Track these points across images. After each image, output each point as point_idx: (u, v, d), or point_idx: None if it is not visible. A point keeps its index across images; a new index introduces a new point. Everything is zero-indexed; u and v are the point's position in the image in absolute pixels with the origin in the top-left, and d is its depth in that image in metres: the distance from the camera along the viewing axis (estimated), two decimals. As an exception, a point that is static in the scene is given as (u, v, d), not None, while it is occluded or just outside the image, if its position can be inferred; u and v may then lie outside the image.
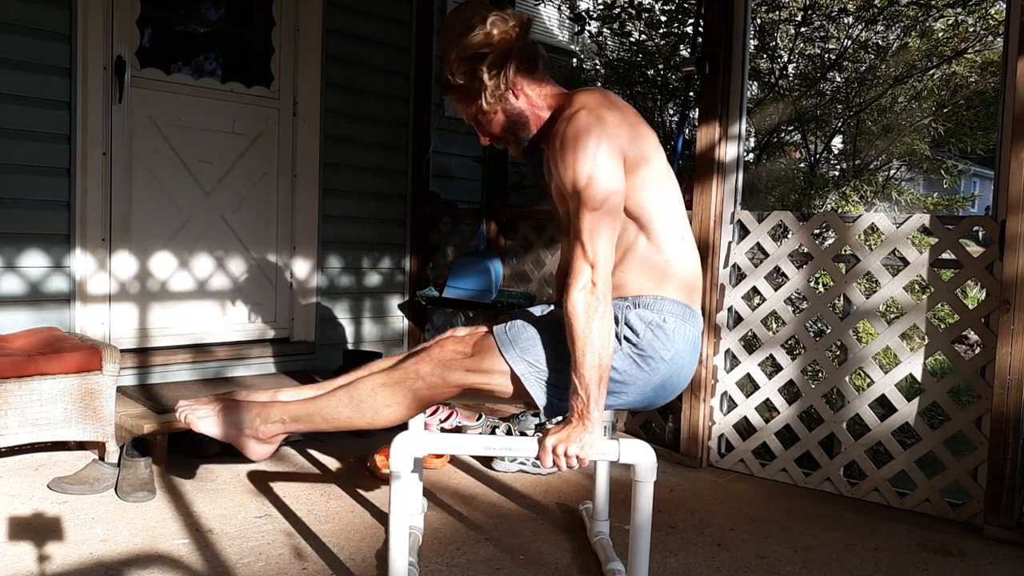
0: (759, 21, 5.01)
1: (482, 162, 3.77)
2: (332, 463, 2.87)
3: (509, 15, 1.71)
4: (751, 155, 5.11)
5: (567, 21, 5.62)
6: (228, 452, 2.87)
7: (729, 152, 2.92)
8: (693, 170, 2.98)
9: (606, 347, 1.59)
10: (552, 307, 1.94)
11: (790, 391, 2.87)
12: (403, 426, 1.87)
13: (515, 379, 1.71)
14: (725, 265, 2.93)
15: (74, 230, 3.05)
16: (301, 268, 3.75)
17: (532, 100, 1.78)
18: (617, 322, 1.67)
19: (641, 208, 1.69)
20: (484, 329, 1.81)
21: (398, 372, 1.76)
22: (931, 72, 5.39)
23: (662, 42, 5.13)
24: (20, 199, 2.93)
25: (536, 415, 3.10)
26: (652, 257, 1.71)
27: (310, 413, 1.81)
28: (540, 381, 1.70)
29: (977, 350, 2.51)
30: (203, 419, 1.82)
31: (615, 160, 1.63)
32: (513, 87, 1.75)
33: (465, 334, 1.82)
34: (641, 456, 1.61)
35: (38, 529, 2.15)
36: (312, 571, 1.98)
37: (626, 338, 1.68)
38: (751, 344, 3.04)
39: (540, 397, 1.70)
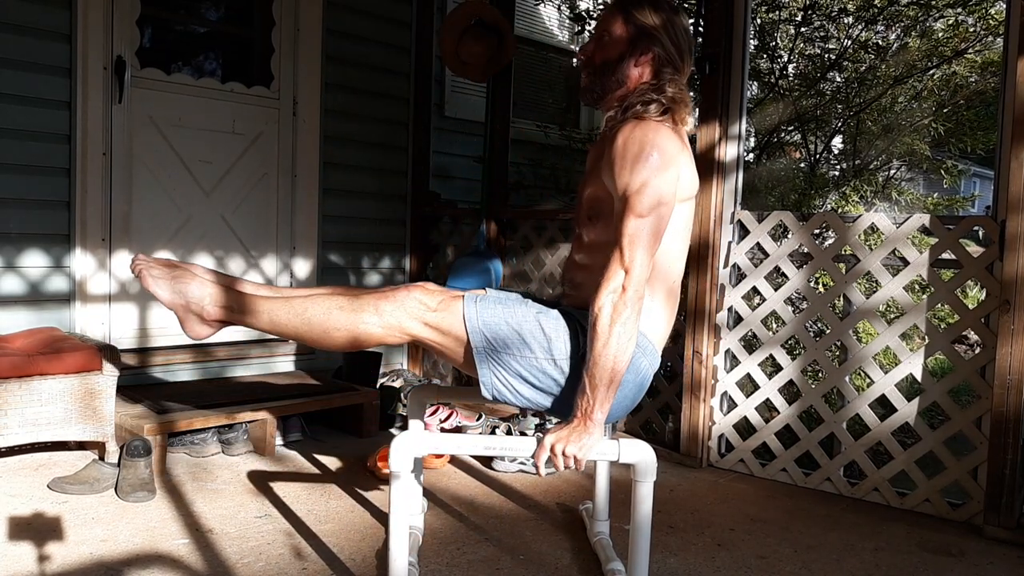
0: (759, 21, 5.01)
1: (482, 162, 3.77)
2: (332, 463, 2.88)
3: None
4: (751, 155, 5.11)
5: (567, 21, 5.62)
6: (227, 452, 2.88)
7: (729, 152, 2.92)
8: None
9: (624, 352, 1.58)
10: (519, 295, 1.90)
11: (790, 391, 2.87)
12: (404, 425, 1.87)
13: (467, 349, 1.70)
14: (725, 265, 2.93)
15: (74, 230, 3.05)
16: (301, 268, 3.75)
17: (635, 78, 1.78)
18: (585, 331, 1.67)
19: (665, 252, 1.70)
20: (456, 293, 1.79)
21: (358, 302, 1.73)
22: (931, 72, 5.39)
23: (662, 42, 5.11)
24: (20, 199, 2.93)
25: (536, 415, 3.10)
26: (652, 296, 1.71)
27: (259, 311, 1.79)
28: (490, 360, 1.70)
29: (977, 350, 2.51)
30: (156, 279, 1.81)
31: (672, 179, 1.63)
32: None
33: (435, 289, 1.79)
34: (641, 456, 1.61)
35: (38, 529, 2.15)
36: (312, 571, 1.98)
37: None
38: (751, 344, 3.04)
39: (484, 373, 1.70)
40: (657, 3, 1.77)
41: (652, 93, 1.73)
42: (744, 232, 2.93)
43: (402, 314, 1.71)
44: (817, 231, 3.19)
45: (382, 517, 2.35)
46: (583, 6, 5.47)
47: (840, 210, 4.57)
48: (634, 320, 1.60)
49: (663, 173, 1.61)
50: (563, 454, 1.58)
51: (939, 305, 2.71)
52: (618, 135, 1.66)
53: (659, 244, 1.64)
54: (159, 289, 1.82)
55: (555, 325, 1.70)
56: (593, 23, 5.26)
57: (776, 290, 2.86)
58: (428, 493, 2.52)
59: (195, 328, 1.86)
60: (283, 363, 3.66)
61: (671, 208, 1.64)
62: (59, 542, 2.07)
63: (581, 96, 1.89)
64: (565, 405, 1.70)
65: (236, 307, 1.81)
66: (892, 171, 5.48)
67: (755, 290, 2.92)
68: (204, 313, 1.83)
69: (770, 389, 2.86)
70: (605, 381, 1.58)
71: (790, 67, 5.20)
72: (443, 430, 3.14)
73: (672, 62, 1.77)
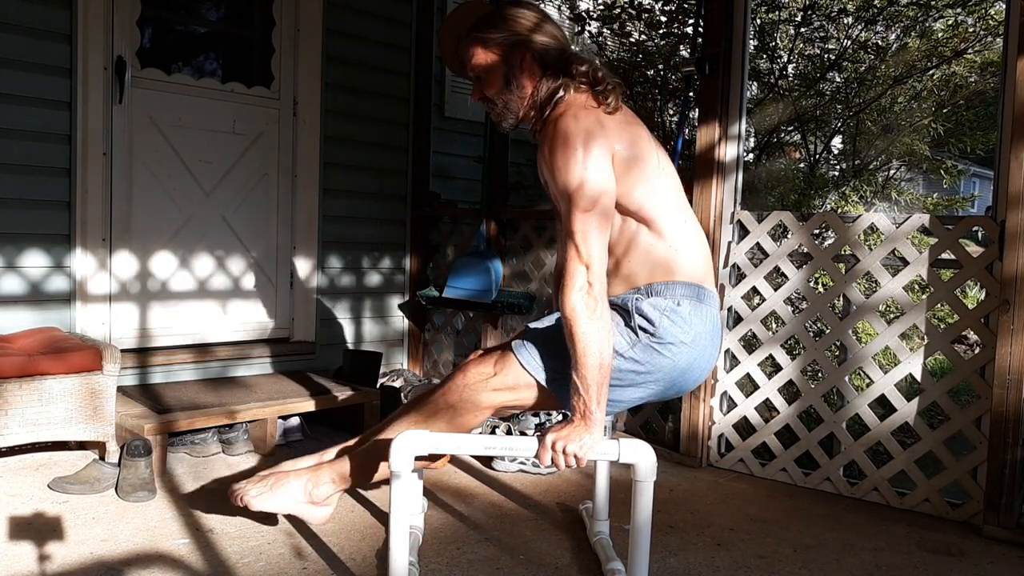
0: (759, 21, 5.01)
1: (482, 162, 3.77)
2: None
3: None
4: (751, 155, 5.11)
5: (567, 21, 5.62)
6: (228, 452, 2.88)
7: (729, 152, 2.92)
8: (693, 170, 2.98)
9: (606, 347, 1.59)
10: (557, 313, 1.94)
11: (790, 391, 2.87)
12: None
13: (541, 388, 1.73)
14: (725, 265, 2.94)
15: (74, 230, 3.05)
16: (301, 268, 3.75)
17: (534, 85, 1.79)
18: (631, 315, 1.68)
19: (638, 203, 1.70)
20: (505, 350, 1.82)
21: (428, 407, 1.79)
22: (931, 72, 5.39)
23: (662, 42, 5.13)
24: (20, 199, 2.94)
25: (536, 415, 3.10)
26: (656, 246, 1.72)
27: (355, 467, 1.85)
28: (558, 386, 1.71)
29: (977, 350, 2.51)
30: (258, 497, 1.84)
31: (604, 161, 1.64)
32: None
33: (486, 356, 1.83)
34: (641, 456, 1.61)
35: (38, 529, 2.15)
36: (312, 571, 1.98)
37: (642, 328, 1.68)
38: (751, 344, 3.04)
39: (566, 404, 1.71)
40: (494, 15, 1.79)
41: (551, 84, 1.75)
42: (744, 232, 2.93)
43: (471, 394, 1.75)
44: (817, 231, 3.19)
45: (382, 517, 2.35)
46: (583, 6, 5.47)
47: (840, 210, 4.57)
48: (607, 312, 1.61)
49: (594, 161, 1.62)
50: (564, 452, 1.59)
51: (939, 305, 2.71)
52: (544, 143, 1.69)
53: (610, 224, 1.65)
54: (267, 505, 1.86)
55: None
56: (593, 23, 5.26)
57: (776, 290, 2.86)
58: (428, 493, 2.52)
59: (317, 515, 1.91)
60: (283, 363, 3.66)
61: (613, 191, 1.65)
62: (59, 542, 2.07)
63: (501, 128, 1.90)
64: (654, 384, 1.72)
65: (336, 478, 1.86)
66: (892, 171, 5.48)
67: (755, 290, 2.92)
68: (315, 499, 1.88)
69: (770, 389, 2.86)
70: (596, 379, 1.59)
71: (790, 67, 5.20)
72: (443, 430, 3.14)
73: (550, 48, 1.78)
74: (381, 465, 1.82)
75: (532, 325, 1.84)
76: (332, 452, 1.95)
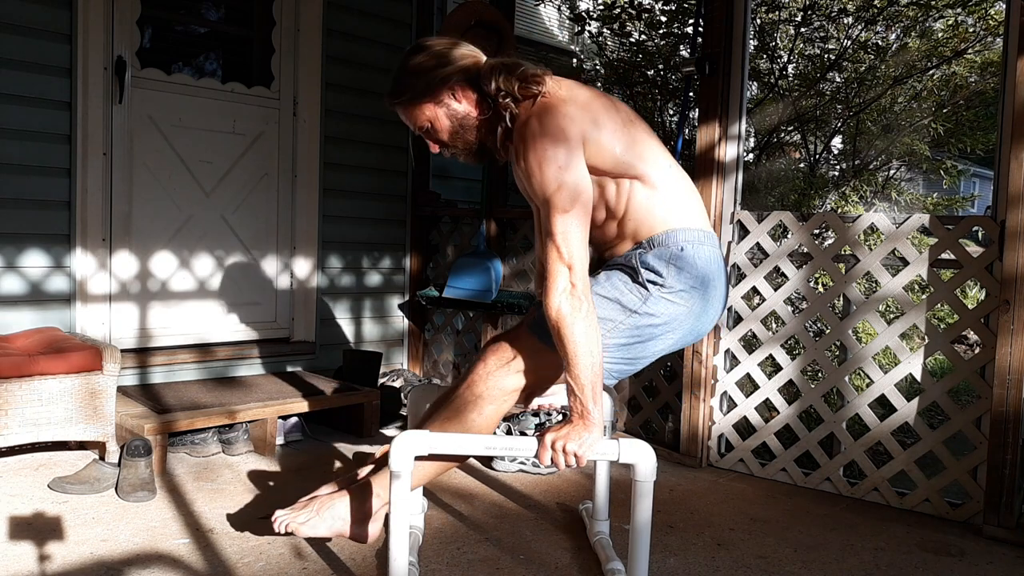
0: (759, 21, 5.01)
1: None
2: (332, 463, 2.88)
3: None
4: (751, 155, 5.11)
5: (567, 21, 5.62)
6: (228, 452, 2.88)
7: (729, 152, 2.92)
8: (693, 170, 2.98)
9: (595, 346, 1.59)
10: None
11: (790, 391, 2.87)
12: (404, 425, 1.87)
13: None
14: (725, 265, 2.93)
15: (74, 230, 3.05)
16: (301, 268, 3.75)
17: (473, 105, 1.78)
18: (636, 271, 1.69)
19: (625, 162, 1.71)
20: (520, 329, 1.81)
21: (456, 402, 1.77)
22: (931, 72, 5.39)
23: (662, 42, 5.13)
24: (20, 199, 2.94)
25: (536, 415, 3.10)
26: (651, 197, 1.72)
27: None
28: None
29: (977, 350, 2.51)
30: (306, 523, 1.82)
31: (577, 156, 1.64)
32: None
33: (501, 341, 1.81)
34: (641, 456, 1.61)
35: (39, 529, 2.15)
36: (312, 571, 1.98)
37: (651, 282, 1.69)
38: (751, 344, 3.04)
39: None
40: (401, 72, 1.77)
41: (493, 99, 1.73)
42: (744, 232, 2.93)
43: (495, 381, 1.73)
44: (817, 231, 3.19)
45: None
46: (583, 6, 5.48)
47: (840, 210, 4.58)
48: (593, 311, 1.61)
49: (567, 161, 1.61)
50: (564, 451, 1.59)
51: (939, 305, 2.71)
52: (515, 153, 1.68)
53: (589, 217, 1.64)
54: (318, 529, 1.83)
55: (611, 288, 1.72)
56: (593, 23, 5.26)
57: (776, 290, 2.86)
58: (428, 493, 2.52)
59: (368, 533, 1.87)
60: (284, 363, 3.66)
61: (589, 187, 1.65)
62: (59, 542, 2.07)
63: (476, 163, 1.89)
64: (672, 334, 1.74)
65: (380, 491, 1.84)
66: (892, 171, 5.48)
67: (755, 290, 2.92)
68: (364, 516, 1.85)
69: (770, 389, 2.86)
70: (589, 379, 1.59)
71: (790, 67, 5.20)
72: (443, 430, 3.14)
73: (470, 70, 1.76)
74: (422, 466, 1.81)
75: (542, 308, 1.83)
76: (365, 469, 1.95)
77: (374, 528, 1.85)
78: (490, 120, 1.77)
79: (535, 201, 1.67)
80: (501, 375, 1.74)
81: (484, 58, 1.79)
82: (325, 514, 1.82)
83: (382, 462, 1.93)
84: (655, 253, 1.70)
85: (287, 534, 1.81)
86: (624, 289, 1.71)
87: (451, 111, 1.77)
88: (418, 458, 1.78)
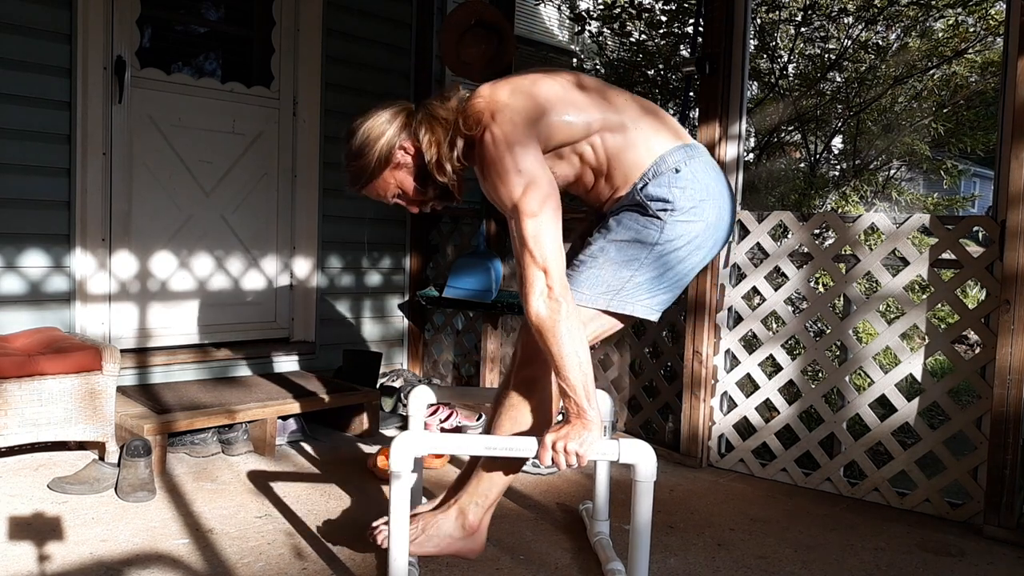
0: (759, 21, 5.01)
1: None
2: (332, 463, 2.87)
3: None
4: (751, 155, 5.11)
5: (567, 21, 5.62)
6: (227, 452, 2.88)
7: (729, 152, 2.92)
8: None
9: (580, 346, 1.60)
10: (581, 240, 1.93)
11: (790, 391, 2.87)
12: (404, 425, 1.87)
13: (608, 314, 1.75)
14: (725, 265, 2.93)
15: (74, 230, 3.05)
16: (301, 268, 3.75)
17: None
18: (644, 206, 1.70)
19: (583, 127, 1.71)
20: None
21: (521, 389, 1.80)
22: (931, 72, 5.39)
23: (662, 42, 5.13)
24: (20, 199, 2.93)
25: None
26: (626, 138, 1.73)
27: (490, 478, 1.85)
28: (626, 299, 1.73)
29: (977, 350, 2.51)
30: (413, 542, 1.84)
31: (533, 156, 1.64)
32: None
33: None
34: (641, 456, 1.61)
35: (38, 529, 2.15)
36: (312, 571, 1.98)
37: (661, 210, 1.70)
38: (751, 344, 3.04)
39: (636, 309, 1.74)
40: (349, 154, 1.78)
41: (439, 136, 1.74)
42: (744, 232, 2.93)
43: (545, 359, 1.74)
44: (817, 231, 3.19)
45: (382, 517, 2.34)
46: (583, 6, 5.47)
47: (840, 210, 4.57)
48: (574, 310, 1.62)
49: (523, 162, 1.62)
50: (565, 451, 1.59)
51: (939, 305, 2.70)
52: (478, 173, 1.70)
53: (559, 214, 1.64)
54: (426, 548, 1.85)
55: (625, 231, 1.73)
56: (593, 23, 5.26)
57: (776, 290, 2.86)
58: (428, 493, 2.52)
59: (475, 545, 1.89)
60: (283, 363, 3.66)
61: (553, 185, 1.65)
62: (59, 542, 2.07)
63: (460, 198, 1.89)
64: (699, 249, 1.75)
65: (479, 499, 1.85)
66: (892, 171, 5.49)
67: (755, 290, 2.92)
68: (469, 530, 1.87)
69: (770, 389, 2.86)
70: (579, 380, 1.59)
71: (790, 67, 5.20)
72: (443, 430, 3.14)
73: (407, 124, 1.76)
74: (512, 465, 1.84)
75: (567, 270, 1.83)
76: (456, 480, 1.97)
77: (480, 540, 1.88)
78: (447, 153, 1.76)
79: (505, 211, 1.68)
80: None
81: (411, 106, 1.80)
82: (431, 532, 1.84)
83: (467, 472, 1.94)
84: (654, 184, 1.71)
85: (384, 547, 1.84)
86: (638, 227, 1.72)
87: (409, 167, 1.78)
88: (481, 469, 1.80)
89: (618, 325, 1.80)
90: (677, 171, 1.71)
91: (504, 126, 1.65)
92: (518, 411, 1.82)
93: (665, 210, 1.70)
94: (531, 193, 1.61)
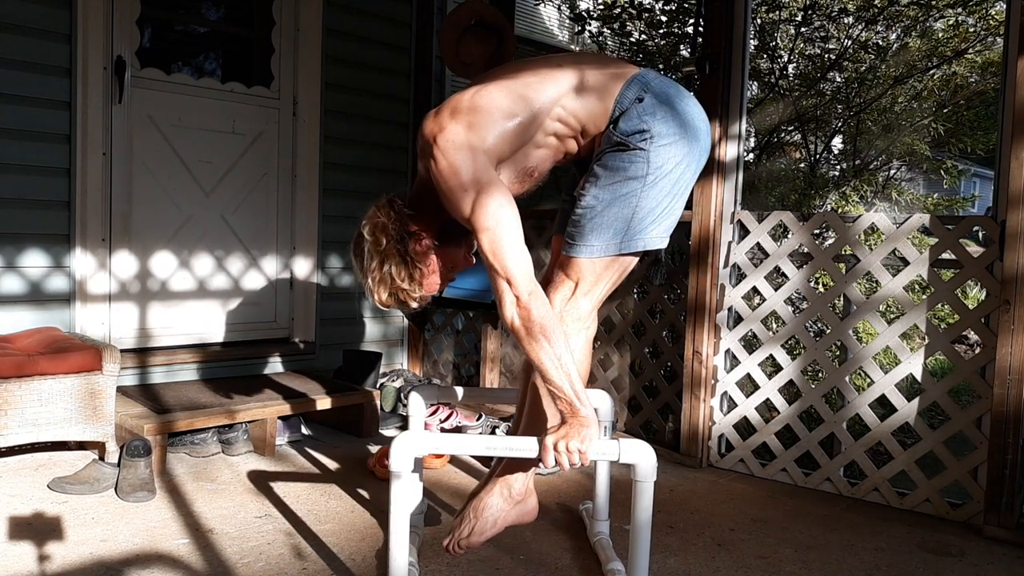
0: (759, 21, 5.01)
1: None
2: (332, 463, 2.88)
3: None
4: (751, 155, 5.11)
5: (567, 21, 5.62)
6: (227, 452, 2.88)
7: (729, 152, 2.92)
8: (693, 170, 2.97)
9: (560, 346, 1.61)
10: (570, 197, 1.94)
11: (790, 391, 2.87)
12: (404, 425, 1.87)
13: (620, 257, 1.76)
14: (725, 265, 2.93)
15: (74, 230, 3.05)
16: (301, 268, 3.75)
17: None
18: (625, 144, 1.72)
19: (543, 108, 1.73)
20: (559, 268, 1.84)
21: (549, 354, 1.77)
22: (931, 72, 5.39)
23: (662, 42, 5.13)
24: (20, 199, 2.93)
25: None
26: (581, 95, 1.75)
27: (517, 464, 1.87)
28: (636, 236, 1.75)
29: (977, 350, 2.51)
30: (472, 534, 1.87)
31: (482, 173, 1.64)
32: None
33: (550, 285, 1.82)
34: (641, 456, 1.61)
35: (38, 529, 2.15)
36: (312, 571, 1.98)
37: (643, 141, 1.71)
38: (751, 344, 3.04)
39: (648, 242, 1.76)
40: (372, 274, 1.76)
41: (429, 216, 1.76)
42: (744, 232, 2.93)
43: (576, 315, 1.78)
44: (817, 231, 3.19)
45: (382, 517, 2.35)
46: (583, 6, 5.48)
47: (840, 210, 4.57)
48: (548, 313, 1.62)
49: (472, 178, 1.62)
50: (567, 450, 1.59)
51: (939, 305, 2.70)
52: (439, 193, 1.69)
53: (515, 224, 1.64)
54: (485, 533, 1.88)
55: (611, 174, 1.73)
56: (593, 23, 5.26)
57: (776, 290, 2.86)
58: (428, 493, 2.52)
59: (527, 512, 1.93)
60: (283, 363, 3.66)
61: (506, 196, 1.65)
62: (59, 542, 2.07)
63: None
64: (687, 163, 1.77)
65: (521, 468, 1.88)
66: (892, 171, 5.49)
67: (755, 290, 2.92)
68: (517, 498, 1.90)
69: (770, 389, 2.86)
70: (565, 381, 1.60)
71: (790, 67, 5.20)
72: (443, 430, 3.14)
73: (403, 218, 1.76)
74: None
75: (568, 229, 1.84)
76: (491, 473, 1.99)
77: (531, 506, 1.92)
78: (443, 220, 1.77)
79: (466, 226, 1.69)
80: (576, 306, 1.78)
81: (394, 199, 1.80)
82: (484, 515, 1.86)
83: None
84: (624, 120, 1.73)
85: (465, 551, 1.87)
86: (625, 164, 1.73)
87: (428, 251, 1.78)
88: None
89: (635, 261, 1.82)
90: (640, 100, 1.73)
91: (444, 146, 1.66)
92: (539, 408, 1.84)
93: (644, 139, 1.72)
94: (480, 207, 1.62)
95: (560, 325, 1.65)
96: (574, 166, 1.97)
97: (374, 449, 2.99)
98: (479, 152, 1.67)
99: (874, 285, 3.35)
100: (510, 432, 2.06)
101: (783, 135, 5.23)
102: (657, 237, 1.78)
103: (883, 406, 2.65)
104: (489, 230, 1.62)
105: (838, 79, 5.25)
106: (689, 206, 2.90)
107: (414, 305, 1.81)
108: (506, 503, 1.87)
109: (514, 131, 1.72)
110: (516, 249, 1.63)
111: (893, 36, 5.44)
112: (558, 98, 1.74)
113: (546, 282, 1.83)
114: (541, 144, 1.77)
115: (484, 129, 1.69)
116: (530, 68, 1.80)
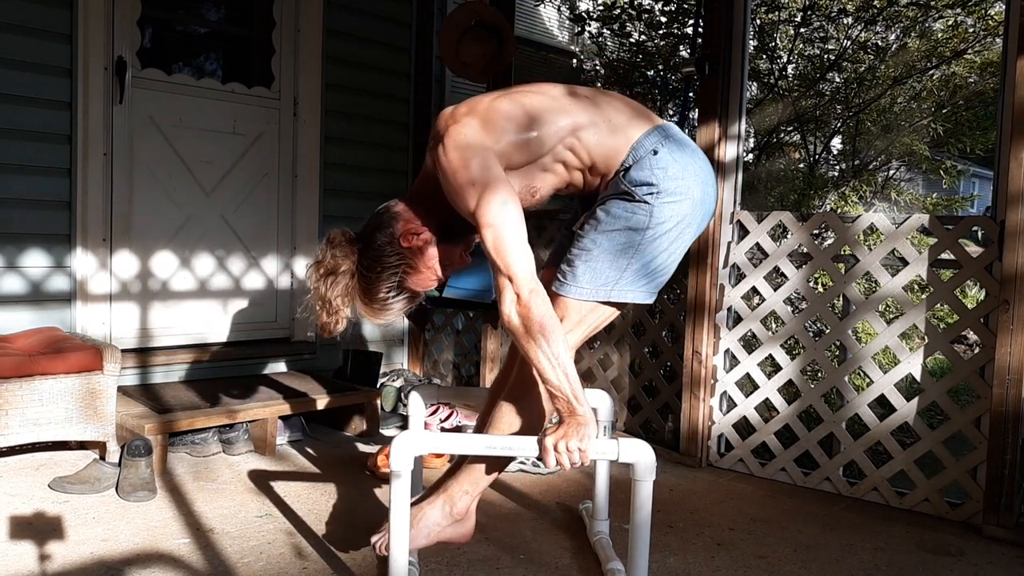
0: (759, 21, 5.02)
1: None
2: (332, 463, 2.88)
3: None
4: (750, 155, 5.11)
5: (567, 21, 5.62)
6: (228, 452, 2.88)
7: (729, 152, 2.92)
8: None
9: (558, 346, 1.60)
10: (568, 230, 1.94)
11: (789, 391, 2.87)
12: (404, 425, 1.87)
13: (607, 303, 1.76)
14: (725, 265, 2.94)
15: (75, 230, 3.05)
16: (302, 268, 3.75)
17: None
18: (631, 193, 1.71)
19: (557, 134, 1.72)
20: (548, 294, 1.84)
21: (521, 382, 1.79)
22: (931, 72, 5.40)
23: (662, 43, 5.13)
24: (21, 199, 2.94)
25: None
26: (598, 133, 1.74)
27: (481, 470, 1.85)
28: (625, 288, 1.75)
29: (976, 350, 2.52)
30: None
31: (490, 167, 1.65)
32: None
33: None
34: (641, 455, 1.61)
35: (39, 529, 2.15)
36: (312, 571, 1.98)
37: (648, 194, 1.71)
38: (751, 344, 3.04)
39: (636, 296, 1.76)
40: (356, 285, 1.82)
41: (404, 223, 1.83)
42: (744, 232, 2.93)
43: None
44: (816, 231, 3.19)
45: (382, 517, 2.35)
46: (583, 6, 5.48)
47: (839, 210, 4.58)
48: (549, 311, 1.62)
49: (479, 172, 1.63)
50: (568, 450, 1.59)
51: (938, 305, 2.71)
52: (441, 182, 1.70)
53: (522, 220, 1.65)
54: (416, 542, 1.85)
55: (614, 220, 1.73)
56: (593, 24, 5.26)
57: (775, 290, 2.86)
58: (428, 493, 2.52)
59: (463, 532, 1.90)
60: (284, 363, 3.66)
61: (510, 192, 1.65)
62: (60, 542, 2.07)
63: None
64: (689, 226, 1.76)
65: (468, 487, 1.86)
66: (891, 171, 5.49)
67: (755, 290, 2.92)
68: (457, 517, 1.88)
69: (770, 389, 2.87)
70: (562, 380, 1.60)
71: (789, 67, 5.21)
72: (443, 430, 3.14)
73: (397, 214, 1.84)
74: (493, 464, 1.85)
75: (562, 266, 1.84)
76: (450, 468, 1.97)
77: (467, 527, 1.90)
78: (444, 222, 1.79)
79: (469, 221, 1.69)
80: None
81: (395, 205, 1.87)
82: (420, 525, 1.84)
83: (456, 465, 1.95)
84: (636, 169, 1.72)
85: (387, 553, 1.84)
86: (627, 214, 1.73)
87: (423, 250, 1.82)
88: (470, 461, 1.81)
89: (618, 312, 1.82)
90: (655, 153, 1.72)
91: (456, 137, 1.67)
92: (511, 409, 1.82)
93: (651, 193, 1.72)
94: (485, 203, 1.62)
95: (560, 325, 1.65)
96: (578, 201, 1.96)
97: (374, 449, 2.99)
98: (489, 151, 1.67)
99: (873, 285, 3.36)
100: (480, 419, 2.04)
101: (782, 135, 5.23)
102: (646, 292, 1.78)
103: (882, 406, 2.65)
104: (493, 226, 1.62)
105: (837, 79, 5.25)
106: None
107: (400, 305, 1.84)
108: (444, 519, 1.85)
109: (525, 145, 1.71)
110: (519, 246, 1.63)
111: (892, 36, 5.45)
112: (575, 128, 1.74)
113: None
114: (548, 168, 1.77)
115: (498, 132, 1.69)
116: (557, 90, 1.80)
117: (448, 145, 1.66)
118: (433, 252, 1.81)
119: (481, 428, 1.97)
